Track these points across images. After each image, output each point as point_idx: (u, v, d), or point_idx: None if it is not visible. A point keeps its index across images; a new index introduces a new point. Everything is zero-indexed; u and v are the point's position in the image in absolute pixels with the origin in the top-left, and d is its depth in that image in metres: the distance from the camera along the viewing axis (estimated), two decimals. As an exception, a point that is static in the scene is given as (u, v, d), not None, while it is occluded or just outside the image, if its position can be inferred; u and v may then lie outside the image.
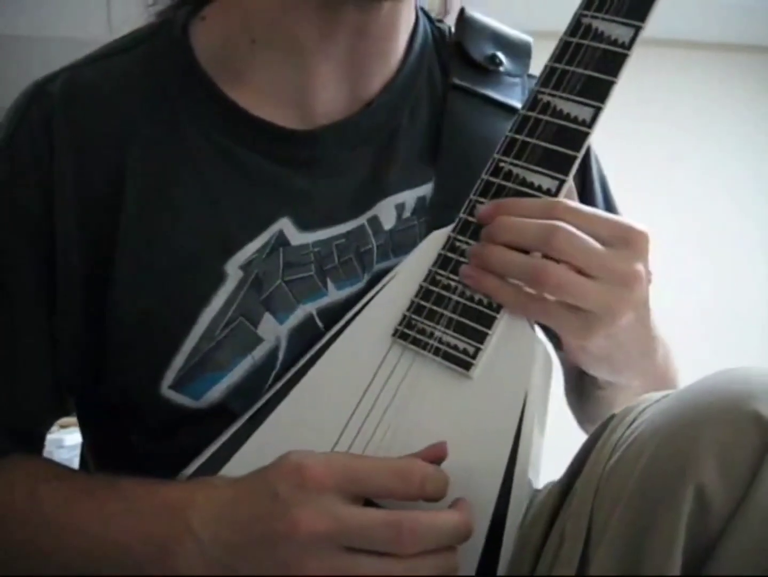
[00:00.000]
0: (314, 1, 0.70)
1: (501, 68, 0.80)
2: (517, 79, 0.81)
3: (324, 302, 0.73)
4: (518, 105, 0.78)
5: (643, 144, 2.58)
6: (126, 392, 0.73)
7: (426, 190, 0.76)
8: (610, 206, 0.87)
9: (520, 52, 0.82)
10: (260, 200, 0.73)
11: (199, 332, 0.70)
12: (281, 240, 0.72)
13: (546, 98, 0.66)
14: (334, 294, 0.73)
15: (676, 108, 2.71)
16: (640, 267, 0.62)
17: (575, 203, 0.63)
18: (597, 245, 0.61)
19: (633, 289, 0.62)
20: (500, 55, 0.80)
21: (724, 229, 2.73)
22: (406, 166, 0.76)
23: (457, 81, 0.79)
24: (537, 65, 0.83)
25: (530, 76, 0.82)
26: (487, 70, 0.80)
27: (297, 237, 0.73)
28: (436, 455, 0.61)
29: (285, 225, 0.73)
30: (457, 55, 0.80)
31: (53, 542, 0.66)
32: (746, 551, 0.53)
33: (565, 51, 0.66)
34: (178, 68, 0.74)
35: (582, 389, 0.84)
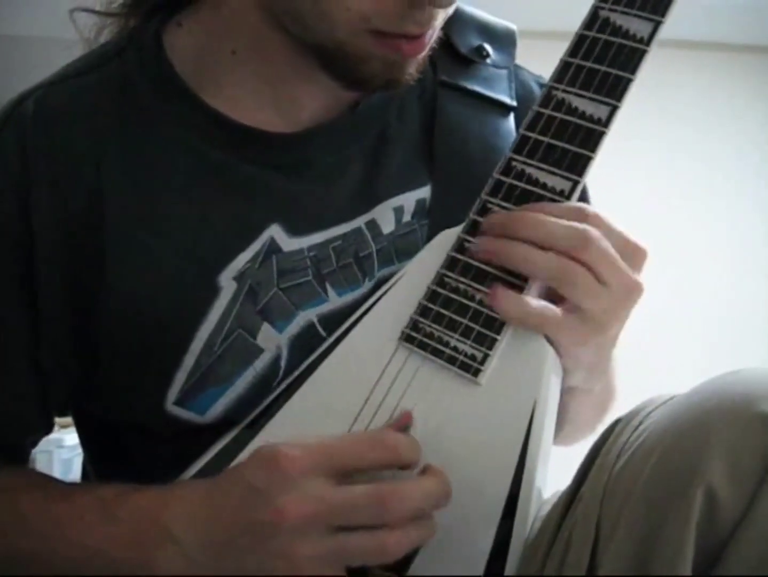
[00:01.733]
0: (292, 46, 0.68)
1: (488, 60, 0.79)
2: (503, 71, 0.80)
3: (325, 308, 0.71)
4: (507, 100, 0.78)
5: (643, 143, 2.58)
6: (131, 410, 0.72)
7: (424, 193, 0.74)
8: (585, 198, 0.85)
9: (505, 41, 0.81)
10: (248, 208, 0.70)
11: (198, 347, 0.68)
12: (273, 247, 0.70)
13: (560, 95, 0.64)
14: (336, 300, 0.71)
15: (677, 108, 2.71)
16: (641, 279, 0.63)
17: (599, 211, 0.62)
18: (617, 255, 0.62)
19: (634, 299, 0.63)
20: (486, 46, 0.79)
21: (725, 227, 2.73)
22: (402, 168, 0.75)
23: (445, 78, 0.78)
24: (537, 67, 0.83)
25: (516, 67, 0.81)
26: (474, 63, 0.79)
27: (289, 243, 0.71)
28: (402, 424, 0.63)
29: (275, 232, 0.71)
30: (444, 48, 0.77)
31: (38, 549, 0.66)
32: (756, 552, 0.53)
33: (580, 45, 0.64)
34: (154, 80, 0.72)
35: None
